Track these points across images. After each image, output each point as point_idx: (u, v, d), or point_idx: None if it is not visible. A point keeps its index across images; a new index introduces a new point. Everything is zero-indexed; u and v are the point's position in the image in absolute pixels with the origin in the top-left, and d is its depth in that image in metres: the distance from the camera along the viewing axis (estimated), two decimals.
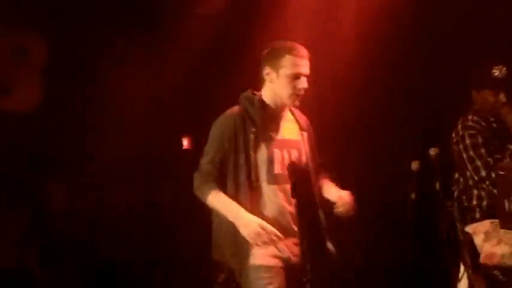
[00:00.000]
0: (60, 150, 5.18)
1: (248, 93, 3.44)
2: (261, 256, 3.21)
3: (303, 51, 3.34)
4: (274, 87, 3.34)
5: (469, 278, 2.86)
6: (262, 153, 3.27)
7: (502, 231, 2.78)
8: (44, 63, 5.16)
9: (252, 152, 3.24)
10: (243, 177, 3.23)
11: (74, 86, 5.24)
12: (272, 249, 3.23)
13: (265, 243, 3.12)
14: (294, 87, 3.29)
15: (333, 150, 4.92)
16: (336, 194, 3.39)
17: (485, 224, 2.85)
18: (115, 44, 5.27)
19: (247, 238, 3.14)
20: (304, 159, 3.42)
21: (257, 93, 3.42)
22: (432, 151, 3.28)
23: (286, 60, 3.28)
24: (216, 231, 3.44)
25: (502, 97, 3.88)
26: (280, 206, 3.29)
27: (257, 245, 3.13)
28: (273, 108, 3.38)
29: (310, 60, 3.36)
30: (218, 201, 3.27)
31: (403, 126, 5.18)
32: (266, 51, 3.39)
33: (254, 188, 3.22)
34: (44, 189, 5.18)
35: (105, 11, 5.27)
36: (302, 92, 3.32)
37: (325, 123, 4.98)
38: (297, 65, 3.28)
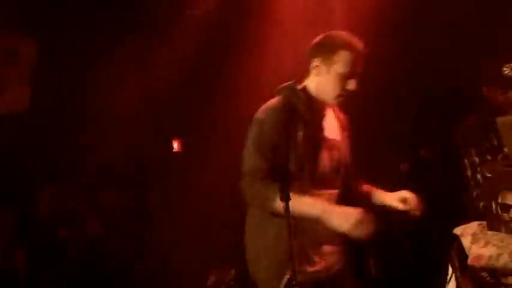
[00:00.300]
0: (51, 151, 5.16)
1: (292, 84, 3.03)
2: (305, 272, 2.84)
3: (361, 47, 2.95)
4: (321, 82, 2.95)
5: (457, 280, 2.86)
6: (307, 153, 2.89)
7: (490, 233, 2.78)
8: (34, 63, 5.15)
9: (298, 152, 2.85)
10: (292, 179, 2.79)
11: (64, 87, 5.23)
12: (318, 264, 2.90)
13: (364, 233, 2.71)
14: (343, 88, 2.93)
15: None
16: (396, 197, 3.08)
17: (473, 226, 2.85)
18: (106, 45, 5.27)
19: (346, 229, 2.70)
20: (345, 161, 3.06)
21: (300, 85, 3.03)
22: (423, 152, 3.28)
23: (341, 56, 2.90)
24: (254, 246, 2.99)
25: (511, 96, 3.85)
26: None
27: (357, 234, 2.71)
28: (318, 104, 2.99)
29: (367, 58, 3.00)
30: (296, 201, 2.74)
31: (393, 127, 5.18)
32: (319, 40, 2.99)
33: (298, 190, 2.80)
34: (34, 190, 5.17)
35: (95, 12, 5.27)
36: (348, 93, 2.97)
37: None
38: (352, 63, 2.90)
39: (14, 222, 4.99)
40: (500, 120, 2.99)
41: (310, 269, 2.86)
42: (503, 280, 2.67)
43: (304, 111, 2.91)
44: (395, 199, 3.08)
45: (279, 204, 2.68)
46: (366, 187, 3.22)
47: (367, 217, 2.72)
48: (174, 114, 5.58)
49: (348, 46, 2.90)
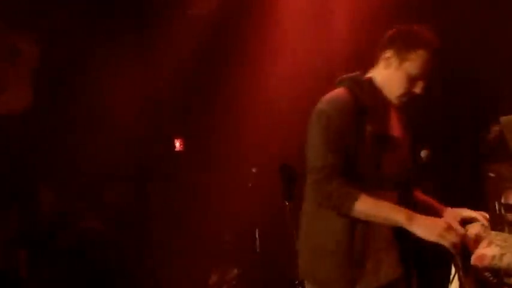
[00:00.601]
0: (51, 150, 5.16)
1: (357, 75, 2.78)
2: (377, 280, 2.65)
3: (439, 49, 2.69)
4: (388, 76, 2.70)
5: (459, 280, 2.86)
6: (374, 152, 2.65)
7: (493, 233, 2.77)
8: (35, 63, 5.15)
9: (364, 149, 2.62)
10: (355, 179, 2.60)
11: (65, 86, 5.23)
12: (390, 270, 2.69)
13: (453, 244, 2.53)
14: (409, 90, 2.69)
15: None
16: (456, 217, 2.88)
17: (476, 227, 2.85)
18: (107, 45, 5.26)
19: (434, 238, 2.51)
20: (408, 162, 2.83)
21: (364, 76, 2.79)
22: (423, 153, 3.27)
23: (418, 55, 2.64)
24: (311, 250, 2.74)
25: None
26: None
27: (449, 247, 2.55)
28: (385, 98, 2.74)
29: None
30: (376, 205, 2.57)
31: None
32: (398, 32, 2.73)
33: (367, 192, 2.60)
34: (35, 189, 5.16)
35: (97, 12, 5.27)
36: (413, 96, 2.73)
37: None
38: (427, 65, 2.65)
39: (16, 222, 4.99)
40: (504, 119, 2.97)
41: (382, 277, 2.65)
42: (506, 280, 2.67)
43: (371, 105, 2.67)
44: (456, 218, 2.86)
45: (358, 206, 2.52)
46: (420, 194, 3.00)
47: (453, 227, 2.56)
48: (175, 114, 5.58)
49: (428, 46, 2.65)
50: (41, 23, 5.10)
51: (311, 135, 2.67)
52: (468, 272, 2.76)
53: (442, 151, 4.30)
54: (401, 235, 2.62)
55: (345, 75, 2.80)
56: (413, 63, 2.64)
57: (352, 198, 2.53)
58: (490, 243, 2.67)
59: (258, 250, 4.76)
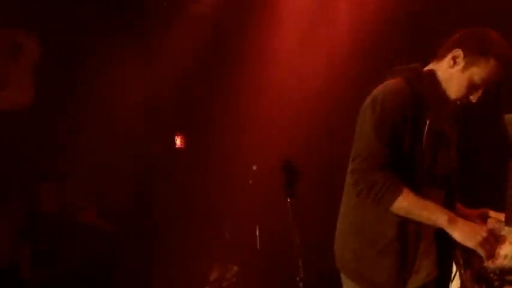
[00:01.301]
0: (53, 147, 5.16)
1: (416, 66, 2.68)
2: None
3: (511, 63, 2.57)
4: (451, 74, 2.58)
5: (461, 278, 2.86)
6: (430, 148, 2.54)
7: (507, 229, 2.70)
8: (37, 59, 5.15)
9: (420, 145, 2.52)
10: (404, 174, 2.51)
11: (66, 83, 5.22)
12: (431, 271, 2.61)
13: (489, 253, 2.48)
14: (466, 96, 2.60)
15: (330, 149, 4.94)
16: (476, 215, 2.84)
17: (492, 222, 2.81)
18: (109, 42, 5.27)
19: (472, 245, 2.46)
20: (455, 161, 2.75)
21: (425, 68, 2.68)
22: None
23: (489, 64, 2.52)
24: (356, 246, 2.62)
25: None
26: None
27: (484, 256, 2.47)
28: (444, 94, 2.62)
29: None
30: (419, 202, 2.48)
31: None
32: (473, 33, 2.60)
33: (415, 189, 2.51)
34: (37, 187, 5.16)
35: (99, 9, 5.27)
36: (466, 103, 2.64)
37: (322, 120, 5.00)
38: (494, 76, 2.54)
39: (18, 219, 4.98)
40: (508, 117, 2.95)
41: (425, 277, 2.58)
42: (507, 277, 2.67)
43: (431, 99, 2.56)
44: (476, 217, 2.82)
45: (400, 201, 2.45)
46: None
47: (492, 235, 2.47)
48: (176, 111, 5.58)
49: (502, 57, 2.53)
50: (42, 19, 5.10)
51: (362, 122, 2.57)
52: (469, 269, 2.76)
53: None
54: (440, 236, 2.56)
55: (401, 66, 2.70)
56: (481, 70, 2.54)
57: (396, 191, 2.44)
58: (503, 241, 2.66)
59: (258, 247, 4.76)
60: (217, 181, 5.33)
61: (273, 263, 4.86)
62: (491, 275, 2.65)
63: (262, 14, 5.30)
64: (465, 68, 2.55)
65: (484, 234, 2.44)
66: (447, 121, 2.69)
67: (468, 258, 2.78)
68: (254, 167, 4.91)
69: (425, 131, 2.51)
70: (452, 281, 2.90)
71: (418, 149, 2.52)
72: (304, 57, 5.15)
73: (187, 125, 5.68)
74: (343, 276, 2.68)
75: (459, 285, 2.87)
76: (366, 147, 2.51)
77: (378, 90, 2.59)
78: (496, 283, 2.64)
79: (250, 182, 4.90)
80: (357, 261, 2.59)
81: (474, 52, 2.53)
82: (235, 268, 4.93)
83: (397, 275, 2.52)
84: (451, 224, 2.46)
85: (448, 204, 2.61)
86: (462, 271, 2.81)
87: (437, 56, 2.64)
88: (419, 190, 2.50)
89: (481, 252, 2.46)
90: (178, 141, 5.65)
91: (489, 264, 2.65)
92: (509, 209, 2.79)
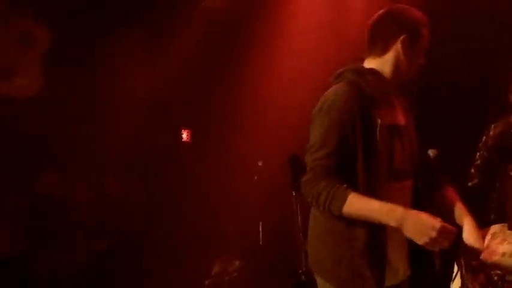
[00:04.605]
0: (58, 137, 5.17)
1: (358, 66, 2.73)
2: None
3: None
4: (403, 59, 2.67)
5: (462, 278, 2.86)
6: (385, 145, 2.57)
7: (509, 232, 2.75)
8: (46, 48, 5.17)
9: (375, 143, 2.54)
10: (365, 173, 2.52)
11: (74, 75, 5.23)
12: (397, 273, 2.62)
13: (440, 246, 2.44)
14: (422, 63, 2.70)
15: None
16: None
17: (495, 227, 2.83)
18: (117, 35, 5.27)
19: (423, 242, 2.42)
20: (415, 148, 2.75)
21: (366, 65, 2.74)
22: (431, 152, 3.27)
23: (425, 31, 2.68)
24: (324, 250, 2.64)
25: None
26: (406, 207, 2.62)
27: (432, 248, 2.46)
28: (390, 85, 2.70)
29: None
30: (366, 206, 2.47)
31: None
32: (402, 13, 2.71)
33: (373, 186, 2.52)
34: (43, 175, 5.18)
35: (109, 2, 5.29)
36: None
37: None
38: (427, 38, 2.70)
39: (23, 206, 5.00)
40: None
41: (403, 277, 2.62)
42: (508, 277, 2.67)
43: (378, 96, 2.60)
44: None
45: (347, 207, 2.44)
46: (450, 194, 2.85)
47: (446, 230, 2.41)
48: (183, 105, 5.59)
49: (425, 19, 2.70)
50: (52, 8, 5.12)
51: (310, 131, 2.61)
52: (471, 270, 2.77)
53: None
54: None
55: (342, 69, 2.73)
56: (424, 38, 2.67)
57: (340, 199, 2.45)
58: (503, 241, 2.67)
59: (261, 242, 4.77)
60: (223, 176, 5.34)
61: (275, 258, 4.87)
62: (492, 272, 2.66)
63: (273, 9, 5.30)
64: (413, 46, 2.65)
65: (434, 234, 2.38)
66: (399, 112, 2.71)
67: (470, 258, 2.79)
68: (260, 163, 4.92)
69: (378, 128, 2.53)
70: (453, 281, 2.91)
71: (373, 147, 2.52)
72: (314, 53, 5.15)
73: (194, 119, 5.69)
74: (318, 278, 2.67)
75: (460, 285, 2.88)
76: (310, 155, 2.53)
77: (325, 97, 2.62)
78: (498, 283, 2.64)
79: (255, 177, 4.92)
80: (333, 263, 2.57)
81: (414, 28, 2.65)
82: (237, 262, 4.95)
83: (371, 275, 2.51)
84: (401, 223, 2.43)
85: (417, 196, 2.63)
86: (463, 271, 2.81)
87: (376, 52, 2.69)
88: (380, 187, 2.51)
89: (432, 248, 2.43)
90: (184, 135, 5.67)
91: (486, 258, 2.65)
92: (510, 213, 2.81)
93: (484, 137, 3.99)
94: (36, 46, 5.20)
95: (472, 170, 3.96)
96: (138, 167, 5.52)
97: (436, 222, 2.39)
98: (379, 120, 2.53)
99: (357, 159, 2.51)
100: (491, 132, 3.96)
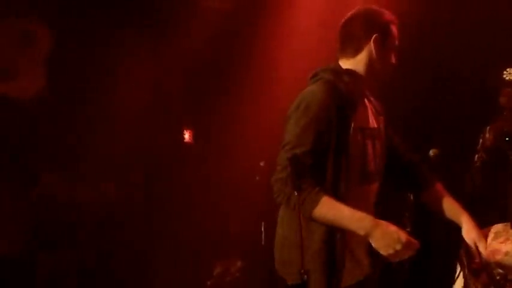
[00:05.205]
0: (60, 137, 5.17)
1: (334, 66, 2.75)
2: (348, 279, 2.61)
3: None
4: (376, 58, 2.71)
5: (464, 278, 2.87)
6: (356, 145, 2.58)
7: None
8: (49, 48, 5.16)
9: (348, 146, 2.54)
10: (336, 175, 2.53)
11: (77, 74, 5.23)
12: (362, 269, 2.68)
13: (403, 257, 2.49)
14: (394, 63, 2.76)
15: None
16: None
17: (497, 226, 2.85)
18: (119, 35, 5.28)
19: (387, 253, 2.45)
20: (384, 150, 2.79)
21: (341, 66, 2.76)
22: (432, 152, 3.28)
23: (394, 29, 2.74)
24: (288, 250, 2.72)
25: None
26: (371, 210, 2.68)
27: (395, 260, 2.49)
28: (363, 86, 2.73)
29: None
30: (336, 212, 2.48)
31: (401, 128, 5.18)
32: (372, 14, 2.76)
33: (342, 187, 2.55)
34: (44, 175, 5.17)
35: (111, 2, 5.28)
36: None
37: None
38: (396, 35, 2.77)
39: (31, 209, 4.99)
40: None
41: (358, 276, 2.65)
42: (510, 277, 2.68)
43: (353, 97, 2.61)
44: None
45: (317, 212, 2.47)
46: (439, 191, 2.91)
47: (411, 243, 2.47)
48: (185, 106, 5.59)
49: (394, 19, 2.77)
50: (54, 8, 5.11)
51: (285, 130, 2.66)
52: (473, 270, 2.77)
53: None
54: None
55: (318, 68, 2.78)
56: (394, 36, 2.73)
57: (312, 203, 2.47)
58: (506, 240, 2.68)
59: (263, 243, 4.77)
60: (224, 176, 5.34)
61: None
62: (495, 271, 2.67)
63: (275, 8, 5.30)
64: (385, 44, 2.70)
65: (399, 247, 2.43)
66: (370, 115, 2.74)
67: (472, 258, 2.79)
68: (262, 163, 4.92)
69: (351, 130, 2.56)
70: (455, 281, 2.91)
71: (345, 149, 2.54)
72: (315, 53, 5.15)
73: (196, 120, 5.69)
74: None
75: (462, 285, 2.88)
76: (283, 155, 2.54)
77: (302, 96, 2.65)
78: (500, 282, 2.65)
79: (257, 178, 4.92)
80: (293, 265, 2.60)
81: (383, 26, 2.71)
82: (239, 262, 4.95)
83: (330, 275, 2.57)
84: (369, 233, 2.46)
85: (381, 197, 2.71)
86: (466, 271, 2.82)
87: (349, 52, 2.75)
88: (353, 189, 2.57)
89: (395, 259, 2.47)
90: (186, 136, 5.67)
91: (489, 257, 2.67)
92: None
93: (481, 140, 4.04)
94: (36, 46, 5.19)
95: (472, 172, 4.00)
96: (140, 167, 5.51)
97: (402, 236, 2.44)
98: (352, 123, 2.56)
99: (327, 159, 2.54)
100: (487, 135, 4.00)
